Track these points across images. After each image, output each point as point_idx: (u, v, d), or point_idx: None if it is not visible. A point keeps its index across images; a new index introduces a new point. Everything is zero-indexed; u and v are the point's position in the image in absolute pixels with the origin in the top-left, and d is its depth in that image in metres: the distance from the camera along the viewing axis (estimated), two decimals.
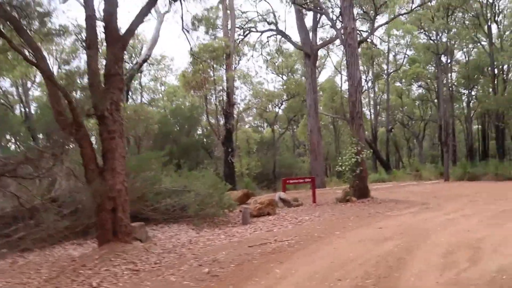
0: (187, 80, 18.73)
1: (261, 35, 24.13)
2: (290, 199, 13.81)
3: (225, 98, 19.41)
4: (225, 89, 19.27)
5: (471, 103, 43.47)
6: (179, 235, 9.27)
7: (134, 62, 24.43)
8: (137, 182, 10.18)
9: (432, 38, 27.41)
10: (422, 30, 27.40)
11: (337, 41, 24.98)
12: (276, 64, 34.30)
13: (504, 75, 32.59)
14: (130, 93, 28.72)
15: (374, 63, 35.32)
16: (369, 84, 41.23)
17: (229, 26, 20.43)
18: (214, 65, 18.92)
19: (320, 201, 15.06)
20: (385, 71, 37.88)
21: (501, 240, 7.04)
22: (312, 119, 22.54)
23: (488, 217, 9.79)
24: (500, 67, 33.66)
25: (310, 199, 15.16)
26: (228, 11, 20.59)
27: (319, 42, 23.84)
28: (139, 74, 30.01)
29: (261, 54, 26.48)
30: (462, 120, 48.56)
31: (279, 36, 24.93)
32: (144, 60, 24.69)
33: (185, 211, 10.70)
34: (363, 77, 41.77)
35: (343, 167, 13.55)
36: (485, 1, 30.58)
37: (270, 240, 7.24)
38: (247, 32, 23.52)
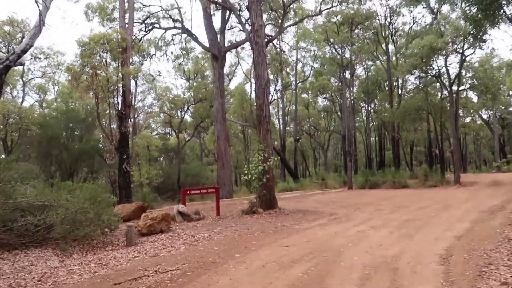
0: (74, 75, 16.01)
1: (165, 32, 22.24)
2: (190, 213, 12.14)
3: (120, 98, 17.00)
4: (120, 87, 16.89)
5: (370, 116, 46.51)
6: (36, 265, 7.02)
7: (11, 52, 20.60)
8: None
9: (337, 50, 28.15)
10: (328, 42, 27.98)
11: (247, 45, 24.14)
12: (185, 68, 32.57)
13: (400, 90, 35.06)
14: (7, 88, 24.47)
15: (283, 72, 35.44)
16: (278, 94, 41.67)
17: (127, 19, 18.19)
18: (107, 60, 16.45)
19: (225, 213, 13.66)
20: (293, 82, 38.37)
21: (416, 256, 6.27)
22: (219, 125, 21.18)
23: (396, 227, 9.28)
24: (395, 83, 36.34)
25: (214, 211, 13.71)
26: (126, 1, 18.34)
27: (228, 44, 22.69)
28: (21, 68, 25.81)
29: (165, 53, 24.47)
30: (362, 131, 51.84)
31: (185, 35, 23.31)
32: (24, 51, 20.84)
33: (51, 232, 8.39)
34: (272, 87, 42.34)
35: (249, 176, 12.32)
36: (383, 21, 32.72)
37: (149, 271, 5.52)
38: (149, 28, 21.44)
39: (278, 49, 27.34)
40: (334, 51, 28.30)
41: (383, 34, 32.74)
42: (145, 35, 21.81)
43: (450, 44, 23.02)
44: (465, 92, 35.31)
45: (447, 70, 25.05)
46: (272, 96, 43.30)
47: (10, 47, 22.28)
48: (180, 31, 22.15)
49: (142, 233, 9.65)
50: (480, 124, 59.68)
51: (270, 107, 46.13)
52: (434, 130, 32.19)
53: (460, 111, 37.52)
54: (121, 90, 17.06)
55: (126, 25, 17.96)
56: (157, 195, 22.52)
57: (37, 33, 21.52)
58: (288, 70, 37.27)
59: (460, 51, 24.10)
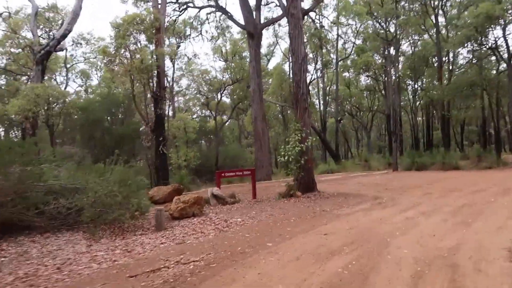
0: (110, 57, 15.90)
1: (199, 11, 21.67)
2: (224, 196, 11.70)
3: (155, 79, 16.75)
4: (155, 69, 16.60)
5: (417, 94, 43.87)
6: (63, 249, 6.83)
7: (51, 37, 21.02)
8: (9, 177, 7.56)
9: (381, 24, 26.35)
10: (371, 16, 26.21)
11: (285, 22, 23.05)
12: (222, 49, 31.98)
13: (450, 66, 32.53)
14: (52, 75, 25.14)
15: (323, 49, 33.91)
16: (318, 73, 40.18)
17: None
18: (141, 42, 16.19)
19: (261, 196, 13.15)
20: (334, 60, 36.72)
21: (478, 249, 5.37)
22: (256, 105, 20.52)
23: (449, 213, 8.29)
24: (445, 58, 33.73)
25: (251, 194, 13.24)
26: None
27: (264, 21, 21.78)
28: (63, 54, 26.37)
29: (200, 33, 23.93)
30: (408, 111, 49.19)
31: (219, 14, 22.62)
32: (64, 36, 21.31)
33: (82, 216, 8.23)
34: (312, 66, 40.82)
35: (286, 157, 11.63)
36: None
37: (170, 262, 5.05)
38: (183, 7, 20.93)
39: (318, 24, 25.88)
40: (378, 25, 26.50)
41: (432, 4, 30.23)
42: (179, 15, 21.39)
43: (510, 10, 20.68)
44: None
45: (506, 41, 22.69)
46: (312, 75, 41.94)
47: (51, 34, 22.70)
48: (214, 9, 21.50)
49: (173, 217, 9.32)
50: None
51: (310, 87, 44.92)
52: (489, 107, 29.69)
53: None
54: (155, 72, 16.79)
55: (159, 5, 17.55)
56: (196, 177, 22.43)
57: (75, 17, 21.76)
58: (328, 47, 35.60)
59: None
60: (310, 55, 40.54)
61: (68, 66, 28.97)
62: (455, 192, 12.22)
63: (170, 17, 20.99)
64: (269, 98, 33.99)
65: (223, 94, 28.27)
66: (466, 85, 26.10)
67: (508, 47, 22.79)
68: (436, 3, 30.93)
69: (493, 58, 30.24)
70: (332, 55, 38.86)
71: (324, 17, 27.47)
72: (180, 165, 20.10)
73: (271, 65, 40.95)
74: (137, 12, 16.55)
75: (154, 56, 16.35)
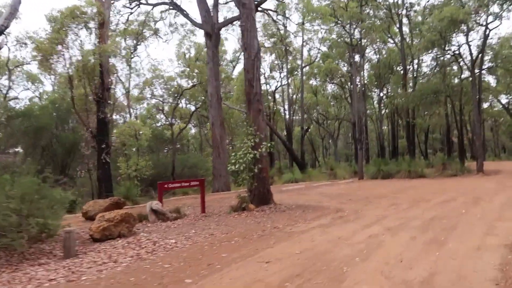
0: (44, 53, 14.05)
1: (152, 8, 20.09)
2: (165, 211, 10.11)
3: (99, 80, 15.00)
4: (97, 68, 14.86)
5: (382, 102, 43.86)
6: None
7: None
8: None
9: (346, 28, 25.67)
10: (336, 19, 25.49)
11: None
12: (185, 52, 30.43)
13: (414, 73, 32.42)
14: None
15: (288, 54, 33.02)
16: (283, 81, 39.29)
17: None
18: (81, 37, 14.43)
19: (212, 210, 11.67)
20: (300, 67, 35.95)
21: (457, 282, 4.13)
22: (214, 110, 19.08)
23: (419, 229, 7.12)
24: (410, 66, 33.67)
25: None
26: None
27: (222, 21, 20.46)
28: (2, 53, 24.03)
29: (155, 33, 22.26)
30: (373, 119, 49.19)
31: (175, 12, 21.05)
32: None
33: None
34: (277, 73, 39.92)
35: (237, 165, 10.23)
36: None
37: None
38: (135, 4, 19.31)
39: (279, 25, 24.80)
40: (342, 29, 25.80)
41: (396, 11, 30.03)
42: (131, 13, 19.73)
43: (473, 14, 20.42)
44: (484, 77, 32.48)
45: (469, 47, 22.47)
46: (278, 82, 41.01)
47: None
48: (169, 6, 20.00)
49: (94, 239, 7.66)
50: (499, 110, 56.53)
51: (277, 95, 44.15)
52: (452, 114, 29.62)
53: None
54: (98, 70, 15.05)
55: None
56: (152, 188, 20.66)
57: (13, 13, 19.52)
58: (293, 52, 34.81)
59: (484, 23, 21.47)
60: (276, 62, 39.83)
61: (11, 67, 26.48)
62: (423, 202, 11.21)
63: (121, 15, 19.33)
64: (232, 105, 32.65)
65: (180, 99, 26.55)
66: (430, 92, 25.78)
67: (471, 53, 22.59)
68: (400, 10, 30.80)
69: (455, 67, 30.43)
70: (298, 61, 38.13)
71: (287, 18, 26.40)
72: (129, 176, 18.27)
73: (236, 72, 39.73)
74: (77, 4, 14.81)
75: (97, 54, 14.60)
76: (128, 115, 27.05)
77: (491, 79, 39.89)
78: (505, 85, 38.48)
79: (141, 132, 18.78)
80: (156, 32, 21.69)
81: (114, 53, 14.43)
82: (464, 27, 22.45)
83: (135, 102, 28.23)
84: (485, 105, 53.76)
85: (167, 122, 26.88)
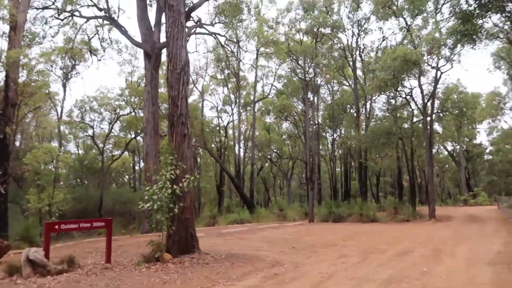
0: None
1: (86, 21, 17.93)
2: (46, 261, 7.57)
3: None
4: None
5: (335, 143, 43.47)
6: None
7: None
8: None
9: (299, 63, 24.83)
10: (289, 53, 24.63)
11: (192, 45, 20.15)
12: (128, 78, 28.17)
13: (367, 114, 32.13)
14: None
15: (241, 89, 31.75)
16: (235, 116, 37.76)
17: None
18: None
19: (123, 258, 9.28)
20: (253, 101, 34.75)
21: None
22: (149, 138, 16.84)
23: None
24: (363, 108, 33.52)
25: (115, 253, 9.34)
26: None
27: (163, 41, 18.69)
28: None
29: (89, 51, 19.96)
30: (327, 160, 48.65)
31: (112, 28, 19.06)
32: None
33: None
34: (229, 107, 38.43)
35: (150, 203, 8.02)
36: (350, 39, 30.05)
37: None
38: (67, 15, 17.08)
39: (225, 47, 23.40)
40: (296, 63, 24.94)
41: (350, 52, 29.98)
42: (61, 25, 17.43)
43: (426, 56, 20.14)
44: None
45: (421, 90, 22.12)
46: (230, 116, 39.44)
47: None
48: (106, 21, 17.98)
49: None
50: (445, 157, 58.31)
51: (230, 131, 42.40)
52: (404, 157, 29.17)
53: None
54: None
55: (20, 0, 13.62)
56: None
57: None
58: (246, 86, 33.67)
59: (435, 65, 21.28)
60: (231, 97, 38.47)
61: None
62: (377, 254, 9.46)
63: (50, 26, 16.99)
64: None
65: (113, 125, 24.00)
66: (382, 133, 25.14)
67: (423, 96, 22.23)
68: (354, 51, 30.79)
69: (408, 110, 30.44)
70: (251, 97, 37.00)
71: (236, 43, 25.13)
72: (40, 210, 15.31)
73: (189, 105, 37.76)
74: None
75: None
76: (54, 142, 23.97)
77: (437, 126, 40.86)
78: (450, 133, 39.40)
79: (58, 160, 16.02)
80: (90, 48, 19.44)
81: (15, 59, 11.93)
82: (416, 70, 22.27)
83: (65, 125, 25.20)
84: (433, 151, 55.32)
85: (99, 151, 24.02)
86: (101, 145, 23.98)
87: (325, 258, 8.94)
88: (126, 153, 33.09)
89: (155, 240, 8.47)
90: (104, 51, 17.87)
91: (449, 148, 55.24)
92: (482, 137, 67.31)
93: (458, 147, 54.96)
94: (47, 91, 20.53)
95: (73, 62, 24.62)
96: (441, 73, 21.54)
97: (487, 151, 57.30)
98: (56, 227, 8.28)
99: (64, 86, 24.99)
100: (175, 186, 8.28)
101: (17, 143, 28.35)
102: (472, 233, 14.13)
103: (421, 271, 7.18)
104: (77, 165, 23.81)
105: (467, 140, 54.09)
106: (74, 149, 28.20)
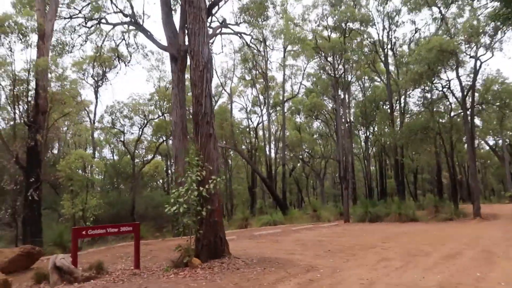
0: None
1: (113, 28, 18.10)
2: (73, 268, 7.40)
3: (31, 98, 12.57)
4: (31, 85, 12.48)
5: (368, 141, 42.14)
6: None
7: None
8: None
9: (329, 60, 24.06)
10: (318, 50, 23.90)
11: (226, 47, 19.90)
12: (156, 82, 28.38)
13: (401, 109, 30.77)
14: None
15: (269, 90, 31.28)
16: (265, 117, 37.17)
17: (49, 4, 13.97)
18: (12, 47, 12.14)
19: (153, 263, 9.07)
20: (282, 101, 34.18)
21: None
22: (178, 141, 16.66)
23: None
24: (396, 104, 32.18)
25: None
26: None
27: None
28: None
29: (117, 57, 20.14)
30: (361, 158, 47.29)
31: (135, 32, 19.14)
32: None
33: None
34: (258, 108, 37.96)
35: (176, 207, 7.70)
36: (381, 32, 28.90)
37: None
38: (94, 23, 17.29)
39: (251, 46, 22.90)
40: (325, 60, 24.20)
41: (381, 46, 28.82)
42: (89, 33, 17.64)
43: (464, 45, 18.92)
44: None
45: (460, 81, 20.83)
46: (259, 117, 38.99)
47: None
48: (132, 27, 18.07)
49: None
50: (487, 151, 55.27)
51: (260, 132, 41.95)
52: (443, 153, 27.70)
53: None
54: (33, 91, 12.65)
55: (47, 10, 13.82)
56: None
57: None
58: (275, 87, 33.18)
59: (474, 55, 19.96)
60: (261, 97, 38.09)
61: None
62: (421, 257, 8.71)
63: (78, 35, 17.23)
64: None
65: (144, 130, 24.16)
66: (419, 129, 23.90)
67: (462, 86, 20.91)
68: (385, 45, 29.60)
69: (445, 102, 28.91)
70: (280, 97, 36.43)
71: (261, 41, 24.68)
72: (74, 216, 15.45)
73: (220, 102, 37.63)
74: (9, 13, 12.68)
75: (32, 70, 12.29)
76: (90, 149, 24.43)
77: (477, 120, 38.55)
78: (492, 126, 37.07)
79: (91, 165, 16.13)
80: (117, 54, 19.63)
81: (44, 67, 12.06)
82: (453, 61, 21.02)
83: (99, 131, 25.68)
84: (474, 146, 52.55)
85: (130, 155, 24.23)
86: (132, 150, 24.20)
87: (364, 261, 8.30)
88: (159, 157, 33.66)
89: (183, 244, 8.13)
90: (131, 56, 17.97)
91: (491, 142, 52.35)
92: None
93: (500, 141, 52.01)
94: (79, 99, 20.95)
95: (103, 69, 24.97)
96: (481, 62, 20.21)
97: None
98: (84, 232, 8.12)
99: (96, 93, 25.43)
100: (201, 188, 7.92)
101: (55, 151, 29.38)
102: None
103: (474, 277, 6.44)
104: (111, 171, 24.17)
105: (510, 133, 51.09)
106: (110, 155, 28.95)
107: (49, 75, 13.50)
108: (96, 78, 25.46)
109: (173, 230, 16.91)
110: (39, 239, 12.28)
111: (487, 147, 53.79)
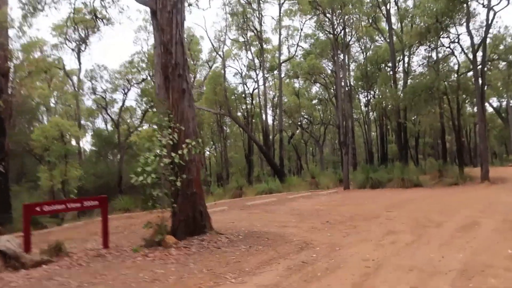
0: None
1: None
2: (20, 252, 6.19)
3: None
4: None
5: (369, 105, 40.57)
6: None
7: None
8: None
9: (327, 15, 22.16)
10: (315, 6, 21.95)
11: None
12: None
13: (405, 69, 29.05)
14: None
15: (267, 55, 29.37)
16: (261, 82, 35.31)
17: None
18: None
19: (128, 240, 7.98)
20: (278, 63, 32.37)
21: None
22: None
23: None
24: (399, 62, 30.39)
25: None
26: None
27: None
28: None
29: (94, 15, 18.34)
30: (361, 123, 45.88)
31: None
32: None
33: None
34: (254, 73, 36.08)
35: (144, 176, 6.42)
36: None
37: None
38: None
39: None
40: (323, 16, 22.33)
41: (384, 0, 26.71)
42: None
43: None
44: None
45: (470, 34, 19.10)
46: (255, 83, 37.17)
47: None
48: None
49: None
50: (490, 114, 53.79)
51: (257, 99, 40.16)
52: (448, 115, 26.31)
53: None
54: None
55: None
56: None
57: None
58: (271, 50, 31.32)
59: (487, 3, 18.16)
60: (256, 61, 36.13)
61: None
62: (433, 228, 7.53)
63: None
64: (202, 106, 28.86)
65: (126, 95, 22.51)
66: (424, 88, 22.34)
67: (472, 42, 19.21)
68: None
69: (449, 63, 27.22)
70: (277, 60, 34.52)
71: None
72: (53, 189, 14.29)
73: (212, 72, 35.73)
74: None
75: None
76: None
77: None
78: (498, 87, 35.36)
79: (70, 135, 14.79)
80: (95, 12, 17.82)
81: (2, 20, 10.54)
82: (462, 13, 19.23)
83: (70, 98, 24.12)
84: (475, 109, 51.00)
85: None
86: (123, 118, 22.77)
87: (368, 235, 7.12)
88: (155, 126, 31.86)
89: (155, 220, 6.92)
90: (106, 10, 16.16)
91: (495, 104, 50.80)
92: None
93: (505, 102, 50.47)
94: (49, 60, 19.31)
95: (86, 32, 23.12)
96: (495, 12, 18.41)
97: None
98: (38, 209, 6.87)
99: (78, 58, 23.72)
100: (173, 154, 6.61)
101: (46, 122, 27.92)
102: None
103: (505, 254, 5.23)
104: (97, 141, 22.87)
105: None
106: (103, 125, 27.38)
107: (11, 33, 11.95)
108: (77, 42, 23.65)
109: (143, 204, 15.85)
110: (8, 215, 11.12)
111: (490, 109, 52.36)
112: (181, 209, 7.11)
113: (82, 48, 23.87)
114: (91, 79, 22.14)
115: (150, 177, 6.39)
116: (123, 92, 22.02)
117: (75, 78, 25.28)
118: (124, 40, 73.08)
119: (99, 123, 28.25)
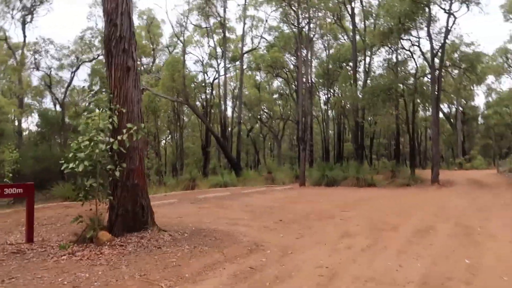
0: None
1: None
2: None
3: None
4: None
5: (329, 103, 40.94)
6: None
7: None
8: None
9: (293, 7, 21.75)
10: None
11: None
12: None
13: (367, 66, 29.39)
14: None
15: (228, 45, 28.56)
16: (222, 72, 34.34)
17: None
18: None
19: (61, 233, 7.07)
20: (241, 52, 31.67)
21: None
22: None
23: None
24: (360, 62, 30.71)
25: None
26: None
27: None
28: None
29: None
30: (319, 120, 46.30)
31: None
32: None
33: None
34: (215, 62, 35.08)
35: (76, 164, 5.57)
36: None
37: None
38: None
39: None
40: (289, 7, 21.89)
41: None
42: None
43: None
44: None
45: (430, 37, 19.42)
46: (216, 73, 36.17)
47: None
48: None
49: None
50: (441, 119, 56.35)
51: (217, 89, 39.19)
52: (403, 117, 26.92)
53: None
54: None
55: None
56: (37, 189, 15.23)
57: None
58: (233, 38, 30.55)
59: (448, 9, 18.51)
60: (218, 50, 35.19)
61: None
62: (389, 231, 7.26)
63: None
64: (159, 92, 27.57)
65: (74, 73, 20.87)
66: (383, 89, 22.59)
67: (432, 45, 19.55)
68: None
69: (407, 67, 27.82)
70: (240, 51, 33.77)
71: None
72: None
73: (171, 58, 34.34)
74: None
75: None
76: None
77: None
78: (451, 91, 36.86)
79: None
80: None
81: None
82: (424, 18, 19.52)
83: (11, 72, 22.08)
84: (428, 113, 53.10)
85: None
86: (61, 97, 21.02)
87: (323, 238, 6.69)
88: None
89: (86, 214, 6.08)
90: None
91: (445, 110, 53.25)
92: (479, 100, 65.28)
93: (454, 109, 53.09)
94: None
95: (32, 1, 21.20)
96: (455, 18, 18.84)
97: (482, 113, 55.79)
98: None
99: (23, 30, 21.70)
100: (111, 139, 5.79)
101: None
102: (491, 203, 12.04)
103: (464, 265, 4.95)
104: (42, 121, 21.08)
105: (464, 102, 52.22)
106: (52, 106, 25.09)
107: None
108: (22, 13, 21.61)
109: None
110: None
111: (441, 115, 54.81)
112: (119, 202, 6.30)
113: (28, 19, 21.85)
114: (34, 53, 20.26)
115: (82, 165, 5.53)
116: (71, 70, 20.34)
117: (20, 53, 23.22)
118: (81, 17, 69.14)
119: (48, 103, 26.28)
